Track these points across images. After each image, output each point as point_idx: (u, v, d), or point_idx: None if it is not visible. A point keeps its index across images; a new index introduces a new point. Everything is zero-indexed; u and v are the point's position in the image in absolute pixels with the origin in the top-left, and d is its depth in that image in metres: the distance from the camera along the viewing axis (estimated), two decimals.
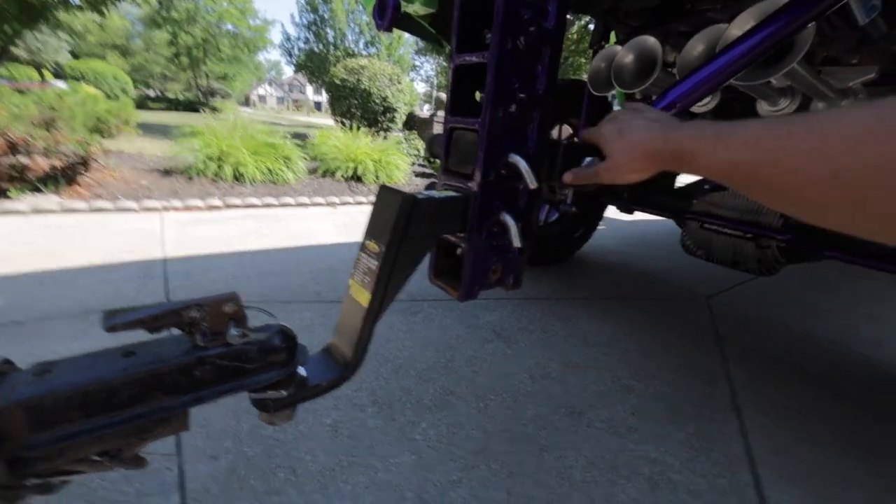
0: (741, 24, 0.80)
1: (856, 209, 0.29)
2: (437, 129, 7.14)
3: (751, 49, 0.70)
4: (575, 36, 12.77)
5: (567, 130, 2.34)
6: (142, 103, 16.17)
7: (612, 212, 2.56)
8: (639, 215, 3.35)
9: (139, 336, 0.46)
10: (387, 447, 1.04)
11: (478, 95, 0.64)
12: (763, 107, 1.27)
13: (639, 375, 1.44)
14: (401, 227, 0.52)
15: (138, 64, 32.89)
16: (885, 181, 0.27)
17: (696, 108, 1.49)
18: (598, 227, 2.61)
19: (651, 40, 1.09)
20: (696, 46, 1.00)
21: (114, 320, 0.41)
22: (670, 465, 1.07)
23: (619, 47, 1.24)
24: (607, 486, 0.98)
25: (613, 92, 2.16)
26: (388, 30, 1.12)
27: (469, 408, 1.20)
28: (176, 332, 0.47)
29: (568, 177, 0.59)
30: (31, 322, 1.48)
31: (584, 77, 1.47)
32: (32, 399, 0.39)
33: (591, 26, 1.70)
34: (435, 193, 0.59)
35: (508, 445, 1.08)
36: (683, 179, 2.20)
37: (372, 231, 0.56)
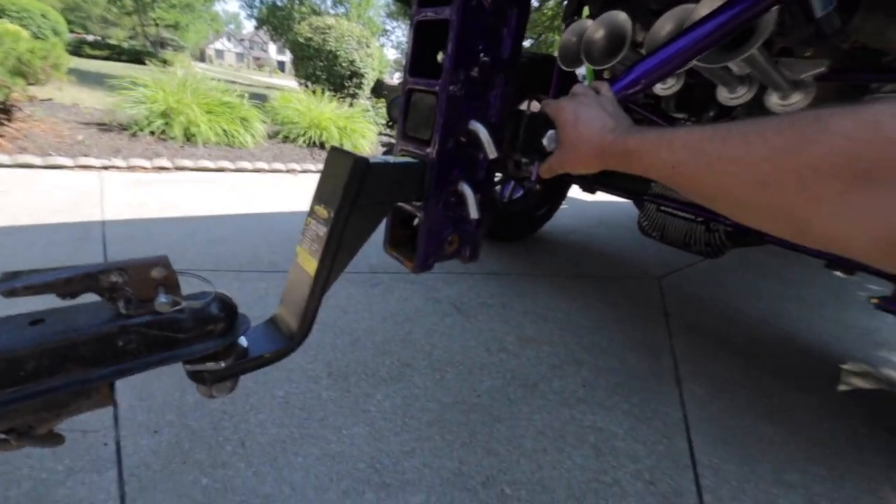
0: (709, 4, 0.80)
1: (777, 213, 0.32)
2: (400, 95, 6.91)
3: (716, 28, 0.70)
4: (550, 12, 12.59)
5: (536, 106, 2.32)
6: (79, 48, 14.56)
7: (575, 191, 2.60)
8: (600, 196, 3.44)
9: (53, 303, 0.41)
10: (340, 419, 1.03)
11: (440, 57, 0.60)
12: (722, 93, 1.30)
13: (591, 350, 1.50)
14: (352, 192, 0.49)
15: (73, 3, 29.40)
16: (802, 187, 0.29)
17: (659, 91, 1.51)
18: (561, 206, 2.66)
19: (622, 16, 1.08)
20: (665, 26, 0.99)
21: (12, 283, 0.36)
22: (614, 433, 1.13)
23: (590, 21, 1.22)
24: (555, 454, 1.03)
25: (583, 70, 2.16)
26: None
27: (425, 380, 1.21)
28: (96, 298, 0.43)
29: (542, 170, 0.61)
30: None
31: (556, 53, 1.45)
32: None
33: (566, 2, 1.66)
34: (390, 158, 0.56)
35: (462, 416, 1.10)
36: None
37: (321, 195, 0.52)
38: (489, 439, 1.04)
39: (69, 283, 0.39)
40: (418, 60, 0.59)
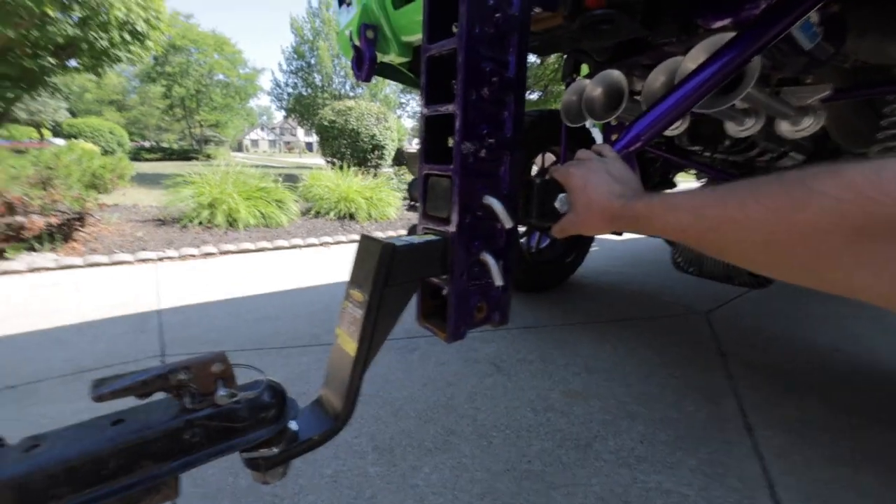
0: (695, 57, 0.85)
1: (791, 267, 0.34)
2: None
3: (705, 81, 0.74)
4: (555, 65, 13.29)
5: (550, 158, 2.41)
6: (137, 155, 16.50)
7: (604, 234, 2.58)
8: (629, 236, 3.39)
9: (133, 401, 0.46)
10: (389, 496, 1.01)
11: (450, 142, 0.67)
12: (731, 127, 1.32)
13: (642, 400, 1.43)
14: (382, 275, 0.54)
15: (134, 117, 33.79)
16: (806, 244, 0.31)
17: (668, 132, 1.55)
18: (591, 249, 2.64)
19: (616, 74, 1.15)
20: (658, 78, 1.05)
21: (101, 390, 0.42)
22: (685, 495, 1.04)
23: (587, 81, 1.30)
24: None
25: (589, 121, 2.24)
26: (367, 79, 1.17)
27: (472, 447, 1.18)
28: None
29: (555, 231, 0.66)
30: (24, 385, 1.46)
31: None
32: (20, 477, 0.39)
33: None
34: (415, 238, 0.61)
35: (514, 485, 1.05)
36: None
37: (355, 280, 0.57)
38: None
39: (145, 384, 0.44)
40: (431, 149, 0.66)
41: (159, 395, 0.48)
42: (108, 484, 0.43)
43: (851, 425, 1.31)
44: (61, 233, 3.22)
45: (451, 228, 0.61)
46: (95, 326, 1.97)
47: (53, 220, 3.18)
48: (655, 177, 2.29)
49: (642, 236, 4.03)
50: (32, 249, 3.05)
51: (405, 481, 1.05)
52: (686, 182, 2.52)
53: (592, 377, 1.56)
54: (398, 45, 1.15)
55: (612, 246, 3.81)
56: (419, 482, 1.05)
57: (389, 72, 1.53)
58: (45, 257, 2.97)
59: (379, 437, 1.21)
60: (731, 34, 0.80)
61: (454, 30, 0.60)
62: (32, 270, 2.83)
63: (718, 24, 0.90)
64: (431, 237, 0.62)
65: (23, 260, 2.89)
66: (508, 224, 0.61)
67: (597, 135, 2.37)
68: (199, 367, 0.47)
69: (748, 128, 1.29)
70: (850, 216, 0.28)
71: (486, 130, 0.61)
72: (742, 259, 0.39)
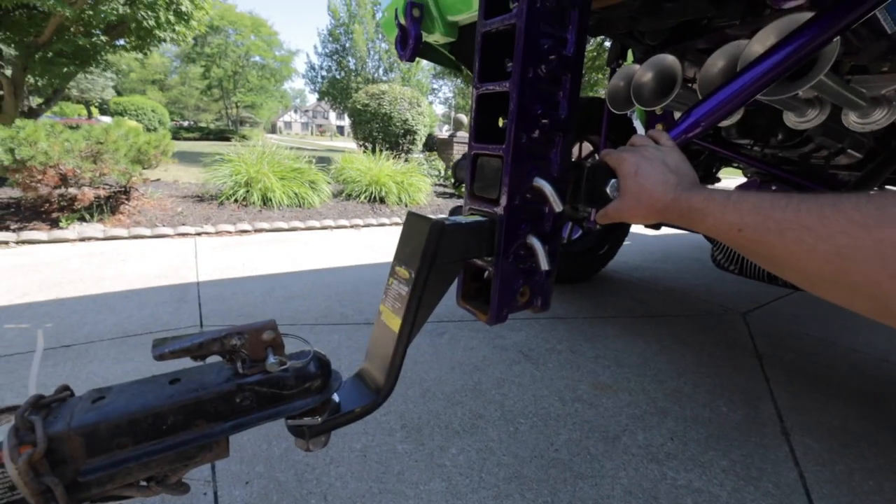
0: (763, 40, 0.79)
1: (853, 287, 0.32)
2: (457, 149, 7.24)
3: (775, 66, 0.69)
4: (592, 53, 12.82)
5: (587, 147, 2.34)
6: (176, 134, 17.12)
7: (637, 227, 2.51)
8: (665, 229, 3.28)
9: (181, 363, 0.48)
10: (417, 473, 1.03)
11: (501, 122, 0.65)
12: (790, 118, 1.24)
13: (674, 397, 1.39)
14: (430, 253, 0.53)
15: (174, 97, 35.00)
16: (883, 264, 0.29)
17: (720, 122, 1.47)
18: (624, 243, 2.57)
19: (670, 58, 1.09)
20: (717, 63, 0.99)
21: (162, 349, 0.44)
22: (716, 495, 1.01)
23: (636, 66, 1.24)
24: None
25: (632, 109, 2.16)
26: (411, 60, 1.16)
27: (499, 432, 1.18)
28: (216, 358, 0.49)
29: (598, 215, 0.63)
30: (78, 345, 1.56)
31: (601, 94, 1.48)
32: (89, 426, 0.42)
33: (608, 43, 1.71)
34: (461, 218, 0.60)
35: (541, 472, 1.05)
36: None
37: (401, 257, 0.57)
38: (572, 499, 0.98)
39: (201, 347, 0.46)
40: (482, 128, 0.64)
41: (213, 360, 0.50)
42: (167, 438, 0.45)
43: (893, 436, 1.24)
44: (108, 205, 3.39)
45: (500, 210, 0.60)
46: (140, 294, 2.07)
47: (102, 193, 3.34)
48: (699, 171, 2.19)
49: (677, 232, 3.89)
50: (83, 220, 3.23)
51: (432, 460, 1.07)
52: (731, 178, 2.40)
53: (622, 371, 1.53)
54: (443, 24, 1.13)
55: (646, 241, 3.70)
56: (446, 462, 1.06)
57: (431, 53, 1.51)
58: (93, 227, 3.14)
59: (408, 417, 1.22)
60: (807, 15, 0.74)
61: (511, 6, 0.58)
62: (83, 239, 3.00)
63: (792, 3, 0.83)
64: (479, 218, 0.61)
65: (74, 229, 3.07)
66: (558, 208, 0.59)
67: (638, 127, 2.28)
68: (252, 333, 0.49)
69: (809, 119, 1.20)
70: None
71: (541, 111, 0.59)
72: (798, 271, 0.37)
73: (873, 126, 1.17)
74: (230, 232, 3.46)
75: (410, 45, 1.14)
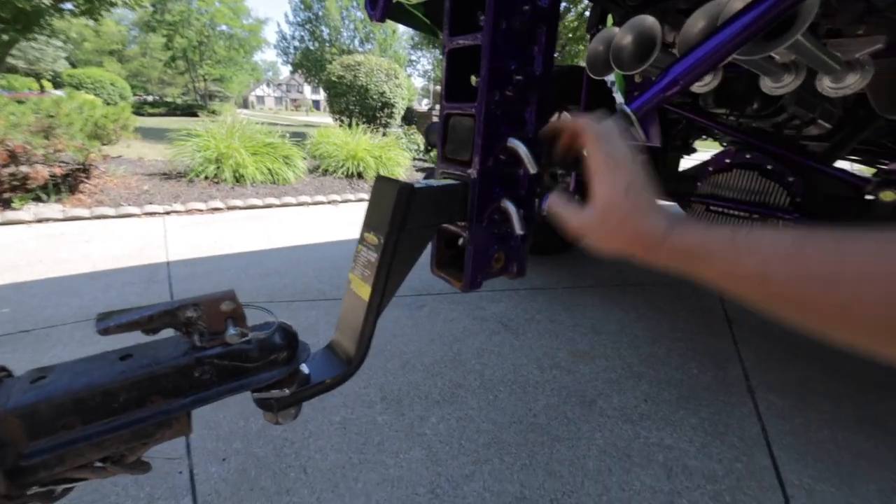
0: None
1: None
2: (437, 121, 7.09)
3: (754, 21, 0.67)
4: (573, 23, 12.63)
5: (567, 118, 2.31)
6: (140, 109, 16.18)
7: None
8: None
9: (139, 339, 0.45)
10: (397, 443, 1.03)
11: (473, 80, 0.62)
12: (766, 83, 1.23)
13: (649, 362, 1.43)
14: (399, 217, 0.51)
15: (135, 69, 32.91)
16: None
17: (696, 88, 1.46)
18: None
19: (650, 20, 1.06)
20: (697, 23, 0.96)
21: (107, 322, 0.40)
22: (685, 450, 1.05)
23: (616, 29, 1.21)
24: (622, 475, 0.97)
25: (612, 78, 2.12)
26: (381, 20, 1.09)
27: (478, 400, 1.19)
28: (174, 333, 0.46)
29: (550, 202, 0.47)
30: (38, 329, 1.48)
31: (583, 63, 1.45)
32: (28, 407, 0.38)
33: (588, 12, 1.67)
34: (433, 182, 0.57)
35: (520, 437, 1.07)
36: (685, 163, 2.17)
37: (370, 223, 0.54)
38: (550, 460, 1.00)
39: (151, 320, 0.43)
40: (454, 86, 0.61)
41: (169, 334, 0.47)
42: (119, 416, 0.42)
43: (854, 393, 1.31)
44: (66, 184, 3.19)
45: (473, 172, 0.57)
46: (106, 276, 1.98)
47: (58, 171, 3.14)
48: (676, 140, 2.20)
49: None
50: (39, 200, 3.04)
51: (413, 430, 1.07)
52: (707, 151, 2.42)
53: (599, 338, 1.56)
54: None
55: None
56: (426, 431, 1.07)
57: (403, 15, 1.43)
58: (51, 208, 2.97)
59: (387, 388, 1.22)
60: None
61: None
62: (40, 221, 2.83)
63: None
64: (451, 181, 0.58)
65: (30, 210, 2.89)
66: (533, 170, 0.57)
67: (618, 97, 2.26)
68: (209, 304, 0.46)
69: (785, 84, 1.20)
70: None
71: (515, 66, 0.56)
72: (854, 327, 0.29)
73: (846, 90, 1.18)
74: (201, 210, 3.33)
75: (380, 4, 1.07)
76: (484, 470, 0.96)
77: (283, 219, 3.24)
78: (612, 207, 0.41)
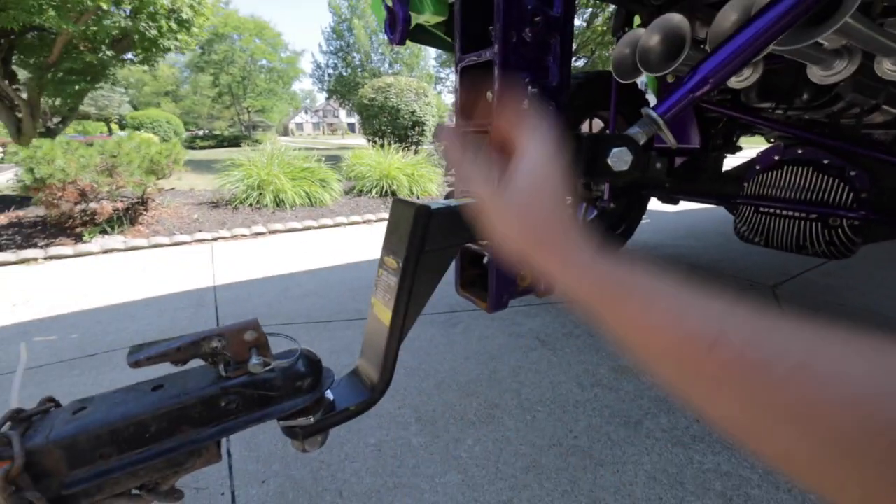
0: None
1: None
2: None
3: (792, 7, 0.62)
4: (600, 28, 12.44)
5: (598, 124, 2.25)
6: (192, 143, 17.46)
7: (655, 204, 2.41)
8: (685, 205, 3.16)
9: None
10: (432, 466, 1.01)
11: (489, 96, 0.61)
12: (815, 72, 1.14)
13: None
14: (417, 241, 0.50)
15: (187, 107, 35.72)
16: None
17: (735, 84, 1.38)
18: (642, 221, 2.48)
19: (677, 17, 1.02)
20: (729, 16, 0.91)
21: (137, 356, 0.42)
22: (747, 478, 0.96)
23: (642, 30, 1.17)
24: None
25: (644, 80, 2.05)
26: (401, 43, 1.12)
27: (516, 421, 1.15)
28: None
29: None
30: (101, 354, 1.60)
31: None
32: (69, 438, 0.40)
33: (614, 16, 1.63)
34: (451, 202, 0.56)
35: (560, 461, 1.01)
36: (730, 162, 2.04)
37: (388, 247, 0.54)
38: (593, 487, 0.94)
39: (178, 351, 0.44)
40: (468, 104, 0.60)
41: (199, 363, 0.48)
42: (151, 446, 0.43)
43: None
44: (128, 216, 3.47)
45: None
46: (160, 302, 2.12)
47: (119, 206, 3.43)
48: (717, 139, 2.08)
49: (701, 207, 3.74)
50: (105, 232, 3.32)
51: (448, 452, 1.05)
52: (753, 147, 2.28)
53: None
54: (433, 1, 1.08)
55: (667, 219, 3.57)
56: (462, 454, 1.04)
57: (424, 35, 1.46)
58: (115, 239, 3.23)
59: (422, 409, 1.21)
60: None
61: None
62: (105, 252, 3.09)
63: None
64: (470, 200, 0.57)
65: (97, 242, 3.16)
66: None
67: (650, 98, 2.18)
68: (232, 334, 0.46)
69: (837, 72, 1.11)
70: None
71: (529, 78, 0.55)
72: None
73: None
74: (245, 235, 3.51)
75: (399, 28, 1.10)
76: (522, 496, 0.92)
77: (320, 240, 3.35)
78: (541, 194, 0.34)
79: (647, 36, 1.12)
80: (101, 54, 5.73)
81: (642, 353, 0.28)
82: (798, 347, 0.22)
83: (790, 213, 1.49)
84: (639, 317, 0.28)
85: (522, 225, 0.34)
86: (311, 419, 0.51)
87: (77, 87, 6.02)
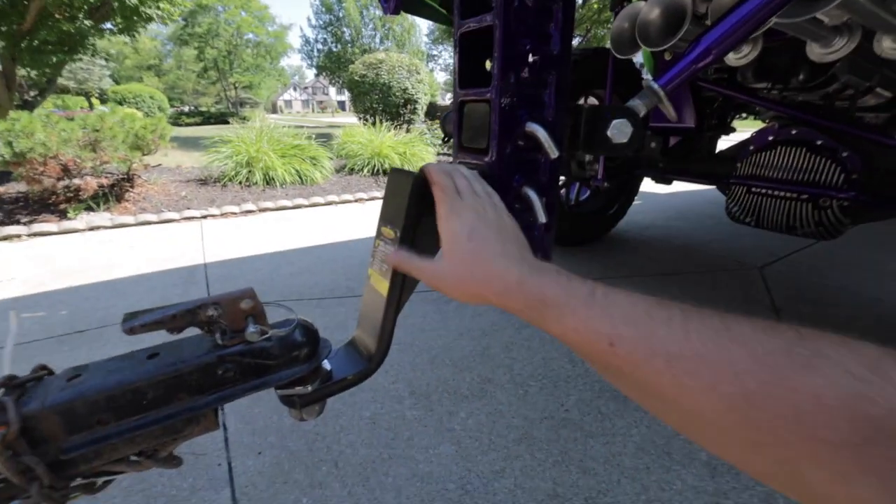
0: None
1: (753, 442, 0.24)
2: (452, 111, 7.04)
3: None
4: (596, 5, 12.20)
5: (592, 102, 2.23)
6: (178, 119, 16.97)
7: (647, 186, 2.42)
8: (678, 186, 3.17)
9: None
10: (426, 438, 1.03)
11: (488, 64, 0.59)
12: (814, 50, 1.13)
13: None
14: (415, 209, 0.49)
15: (171, 82, 34.55)
16: (794, 421, 0.22)
17: (733, 61, 1.37)
18: (634, 202, 2.49)
19: None
20: None
21: (132, 322, 0.41)
22: None
23: (642, 3, 1.14)
24: (661, 473, 0.93)
25: (640, 58, 2.02)
26: (396, 12, 1.08)
27: (508, 395, 1.17)
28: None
29: (393, 258, 0.49)
30: (91, 330, 1.58)
31: (608, 45, 1.38)
32: (65, 403, 0.40)
33: None
34: None
35: (552, 433, 1.04)
36: (722, 143, 2.05)
37: (386, 216, 0.53)
38: (583, 457, 0.97)
39: (174, 319, 0.44)
40: (467, 71, 0.58)
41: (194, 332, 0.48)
42: (149, 413, 0.43)
43: None
44: (113, 193, 3.39)
45: (490, 160, 0.55)
46: (150, 279, 2.09)
47: (105, 182, 3.34)
48: (712, 119, 2.08)
49: (692, 188, 3.76)
50: (90, 209, 3.24)
51: (442, 425, 1.07)
52: (746, 130, 2.28)
53: None
54: None
55: (658, 199, 3.59)
56: (455, 426, 1.06)
57: (418, 6, 1.41)
58: (101, 216, 3.16)
59: (416, 384, 1.22)
60: None
61: None
62: (91, 229, 3.02)
63: None
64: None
65: (82, 219, 3.09)
66: (554, 154, 0.54)
67: (646, 75, 2.16)
68: (228, 302, 0.46)
69: (837, 49, 1.10)
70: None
71: (530, 45, 0.53)
72: (690, 411, 0.27)
73: None
74: (235, 213, 3.45)
75: None
76: (515, 466, 0.95)
77: (312, 218, 3.31)
78: (455, 252, 0.41)
79: (648, 9, 1.10)
80: (78, 23, 5.47)
81: (577, 354, 0.35)
82: (674, 340, 0.28)
83: (782, 193, 1.50)
84: (558, 325, 0.35)
85: (464, 289, 0.41)
86: (309, 388, 0.51)
87: (54, 59, 5.76)
